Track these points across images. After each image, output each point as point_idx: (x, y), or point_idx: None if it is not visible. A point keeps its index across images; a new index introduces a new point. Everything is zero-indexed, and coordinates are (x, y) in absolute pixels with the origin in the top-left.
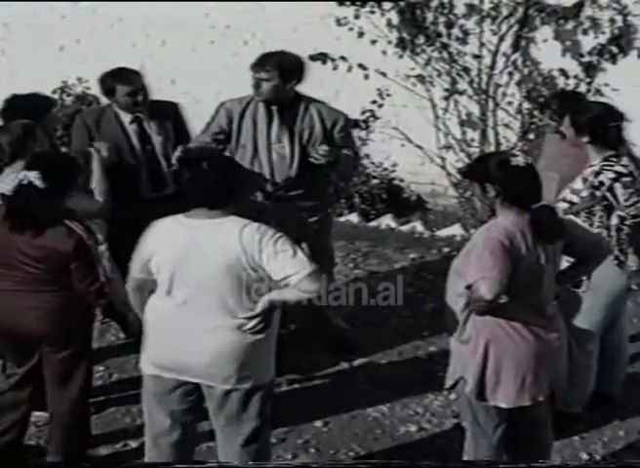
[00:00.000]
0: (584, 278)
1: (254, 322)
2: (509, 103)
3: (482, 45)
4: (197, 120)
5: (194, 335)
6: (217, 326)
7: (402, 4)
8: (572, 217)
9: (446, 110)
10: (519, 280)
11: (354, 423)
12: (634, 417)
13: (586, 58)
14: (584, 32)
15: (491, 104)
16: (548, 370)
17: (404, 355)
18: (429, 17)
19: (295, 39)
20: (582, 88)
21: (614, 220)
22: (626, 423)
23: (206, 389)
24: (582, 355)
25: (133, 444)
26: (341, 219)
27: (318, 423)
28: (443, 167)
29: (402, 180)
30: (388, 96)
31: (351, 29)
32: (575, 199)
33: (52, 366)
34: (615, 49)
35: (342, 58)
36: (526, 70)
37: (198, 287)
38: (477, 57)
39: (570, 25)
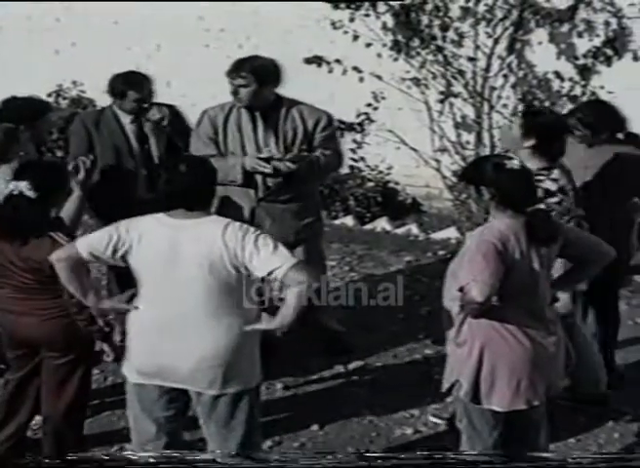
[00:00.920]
0: None
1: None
2: (504, 106)
3: (477, 47)
4: (192, 123)
5: (177, 338)
6: (200, 328)
7: (397, 7)
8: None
9: (441, 113)
10: (513, 283)
11: (350, 426)
12: (629, 420)
13: (581, 61)
14: (579, 35)
15: (486, 107)
16: (544, 374)
17: (399, 358)
18: (424, 19)
19: (289, 42)
20: (577, 91)
21: None
22: (622, 426)
23: (195, 396)
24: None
25: (128, 447)
26: (337, 222)
27: (314, 426)
28: (438, 169)
29: (397, 183)
30: (383, 98)
31: (346, 32)
32: None
33: (50, 371)
34: (609, 51)
35: (337, 60)
36: (521, 73)
37: (181, 288)
38: (472, 59)
39: (565, 28)
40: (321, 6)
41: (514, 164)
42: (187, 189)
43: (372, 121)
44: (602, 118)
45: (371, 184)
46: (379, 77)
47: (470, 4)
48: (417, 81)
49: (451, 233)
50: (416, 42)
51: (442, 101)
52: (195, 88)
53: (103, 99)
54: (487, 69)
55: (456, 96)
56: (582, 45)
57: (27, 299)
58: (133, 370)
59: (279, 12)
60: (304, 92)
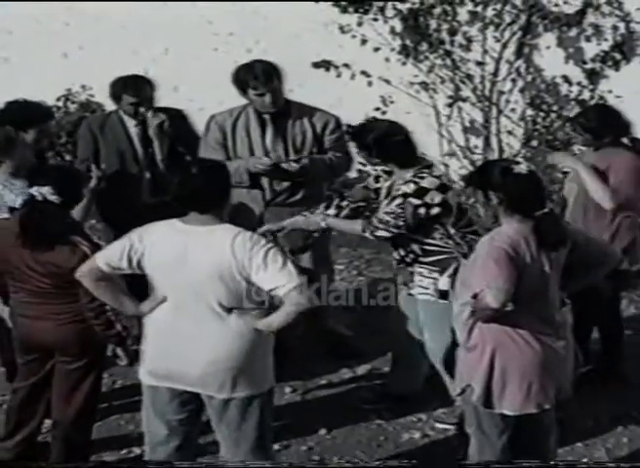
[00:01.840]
0: None
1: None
2: (512, 110)
3: (485, 52)
4: (200, 128)
5: (188, 343)
6: (211, 332)
7: (405, 11)
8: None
9: (449, 117)
10: (524, 287)
11: (358, 430)
12: (638, 425)
13: (589, 65)
14: (587, 39)
15: (494, 111)
16: (555, 377)
17: None
18: (432, 24)
19: (298, 46)
20: (586, 95)
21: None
22: (630, 430)
23: (206, 399)
24: None
25: (137, 450)
26: None
27: (322, 431)
28: (446, 174)
29: None
30: (392, 103)
31: (354, 37)
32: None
33: (62, 375)
34: (618, 55)
35: (346, 65)
36: (529, 77)
37: (192, 293)
38: (480, 64)
39: (573, 32)
40: (329, 10)
41: (522, 168)
42: (199, 191)
43: None
44: (604, 122)
45: None
46: (387, 81)
47: (478, 8)
48: (425, 85)
49: None
50: (424, 46)
51: (450, 106)
52: (203, 92)
53: (112, 104)
54: (495, 73)
55: (464, 100)
56: (591, 49)
57: (43, 304)
58: (146, 372)
59: (288, 16)
60: (313, 96)
